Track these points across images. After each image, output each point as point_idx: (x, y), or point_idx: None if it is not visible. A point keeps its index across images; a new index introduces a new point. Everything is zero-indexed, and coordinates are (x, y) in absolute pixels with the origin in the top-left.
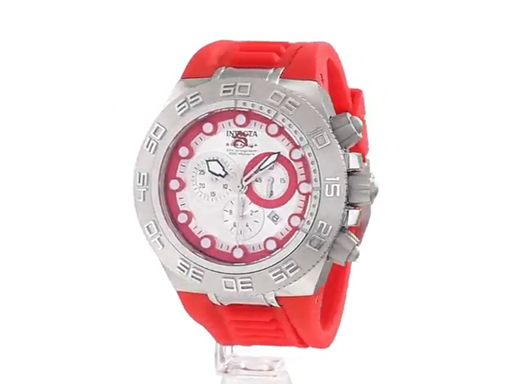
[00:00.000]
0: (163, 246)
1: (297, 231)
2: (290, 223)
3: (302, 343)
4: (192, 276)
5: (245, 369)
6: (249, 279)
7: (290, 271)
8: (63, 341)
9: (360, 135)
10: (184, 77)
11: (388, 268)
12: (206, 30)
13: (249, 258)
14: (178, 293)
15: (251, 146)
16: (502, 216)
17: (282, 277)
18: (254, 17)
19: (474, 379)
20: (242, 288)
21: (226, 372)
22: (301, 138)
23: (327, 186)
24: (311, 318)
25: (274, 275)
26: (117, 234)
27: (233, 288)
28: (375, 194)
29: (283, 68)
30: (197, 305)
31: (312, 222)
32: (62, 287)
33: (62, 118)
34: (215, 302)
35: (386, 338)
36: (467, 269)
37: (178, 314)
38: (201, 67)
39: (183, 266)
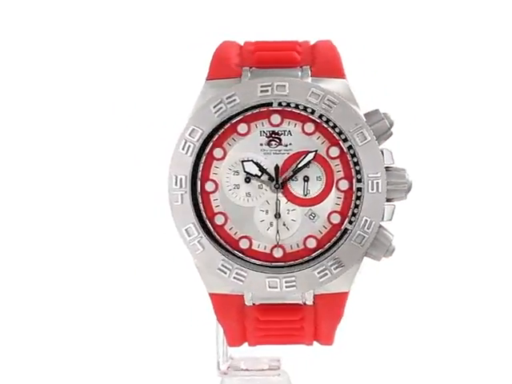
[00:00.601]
0: (203, 248)
1: (341, 228)
2: (329, 220)
3: (312, 341)
4: (234, 277)
5: (244, 369)
6: (293, 278)
7: (335, 268)
8: (63, 340)
9: (392, 131)
10: (210, 78)
11: (386, 268)
12: (194, 31)
13: (288, 257)
14: (211, 295)
15: (286, 146)
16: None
17: (326, 274)
18: (244, 17)
19: (473, 379)
20: (286, 287)
21: (225, 373)
22: (342, 136)
23: (370, 182)
24: (340, 315)
25: (318, 273)
26: (117, 234)
27: (276, 287)
28: (409, 189)
29: (309, 67)
30: (228, 306)
31: (357, 218)
32: (62, 287)
33: (68, 119)
34: (248, 302)
35: (386, 338)
36: (468, 269)
37: (178, 314)
38: (225, 68)
39: (225, 267)
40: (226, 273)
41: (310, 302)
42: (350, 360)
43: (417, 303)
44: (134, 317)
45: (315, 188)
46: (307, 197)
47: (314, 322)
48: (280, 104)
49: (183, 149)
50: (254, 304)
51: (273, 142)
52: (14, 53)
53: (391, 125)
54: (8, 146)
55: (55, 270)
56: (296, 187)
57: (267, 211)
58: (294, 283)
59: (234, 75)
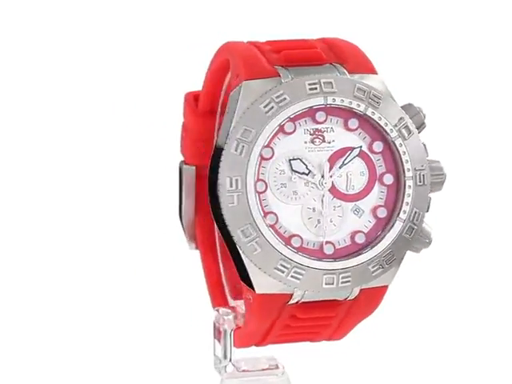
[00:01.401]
0: (261, 248)
1: (389, 221)
2: (374, 215)
3: (328, 338)
4: (291, 276)
5: (244, 370)
6: (349, 273)
7: (387, 262)
8: (63, 340)
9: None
10: (247, 79)
11: None
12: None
13: (339, 253)
14: (258, 295)
15: (329, 142)
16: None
17: (379, 268)
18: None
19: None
20: (341, 283)
21: (224, 373)
22: (391, 130)
23: (417, 175)
24: (373, 310)
25: (372, 267)
26: (116, 234)
27: (332, 284)
28: (444, 181)
29: (340, 64)
30: (270, 306)
31: (408, 211)
32: (61, 287)
33: (67, 119)
34: (295, 300)
35: (386, 338)
36: (468, 268)
37: (177, 315)
38: (259, 68)
39: (283, 266)
40: (283, 272)
41: (352, 297)
42: (350, 360)
43: (417, 303)
44: (133, 317)
45: (359, 183)
46: (351, 192)
47: (343, 318)
48: (335, 100)
49: (236, 150)
50: (297, 302)
51: (316, 140)
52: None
53: (424, 117)
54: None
55: (56, 269)
56: (340, 183)
57: (314, 209)
58: (349, 279)
59: (270, 75)
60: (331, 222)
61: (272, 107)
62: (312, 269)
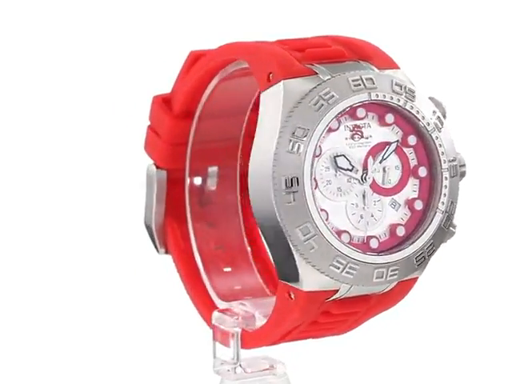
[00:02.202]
0: (318, 246)
1: (426, 213)
2: (410, 208)
3: (342, 332)
4: (346, 272)
5: (243, 370)
6: (397, 267)
7: (429, 253)
8: (63, 340)
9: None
10: (285, 77)
11: None
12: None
13: (382, 246)
14: (305, 293)
15: (366, 138)
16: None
17: (422, 260)
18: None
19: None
20: (390, 276)
21: (224, 373)
22: (428, 123)
23: (451, 166)
24: (398, 302)
25: (416, 259)
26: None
27: (382, 278)
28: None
29: (365, 61)
30: (315, 303)
31: (446, 202)
32: (61, 287)
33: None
34: (337, 296)
35: (386, 338)
36: (468, 268)
37: (177, 315)
38: (295, 67)
39: (339, 263)
40: (338, 268)
41: (388, 290)
42: (350, 360)
43: (417, 303)
44: (132, 317)
45: (394, 177)
46: (388, 186)
47: (366, 311)
48: (378, 96)
49: (292, 149)
50: (335, 298)
51: (356, 136)
52: None
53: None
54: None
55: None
56: (379, 178)
57: (357, 204)
58: (397, 272)
59: (307, 73)
60: (372, 216)
61: (322, 105)
62: (365, 264)
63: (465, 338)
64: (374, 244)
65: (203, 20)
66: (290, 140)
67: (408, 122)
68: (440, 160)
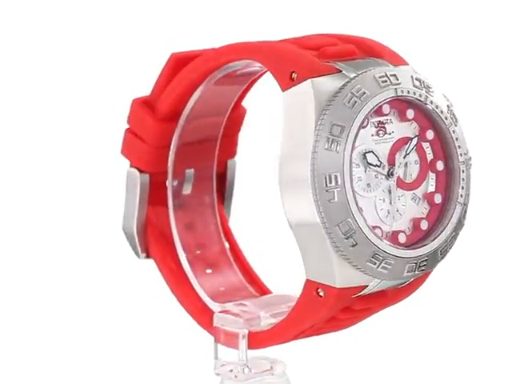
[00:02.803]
0: (357, 242)
1: (445, 206)
2: (430, 201)
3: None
4: (382, 267)
5: (249, 371)
6: (425, 260)
7: (450, 245)
8: (60, 337)
9: None
10: (311, 76)
11: None
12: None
13: (409, 240)
14: (337, 290)
15: (389, 134)
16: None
17: (445, 252)
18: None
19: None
20: (418, 270)
21: (226, 375)
22: (445, 118)
23: (465, 159)
24: (407, 296)
25: (441, 252)
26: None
27: (412, 271)
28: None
29: (379, 58)
30: (344, 299)
31: (464, 194)
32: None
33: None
34: (365, 291)
35: (386, 338)
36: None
37: (177, 316)
38: (317, 65)
39: (376, 258)
40: (375, 264)
41: (407, 283)
42: (351, 360)
43: (417, 304)
44: (132, 318)
45: (414, 172)
46: (410, 181)
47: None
48: (403, 92)
49: (330, 147)
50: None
51: (380, 132)
52: None
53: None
54: None
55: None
56: (401, 173)
57: (384, 200)
58: (425, 265)
59: (331, 71)
60: (397, 211)
61: (355, 102)
62: (399, 258)
63: (464, 337)
64: (402, 239)
65: (173, 22)
66: (328, 138)
67: (426, 116)
68: (457, 153)
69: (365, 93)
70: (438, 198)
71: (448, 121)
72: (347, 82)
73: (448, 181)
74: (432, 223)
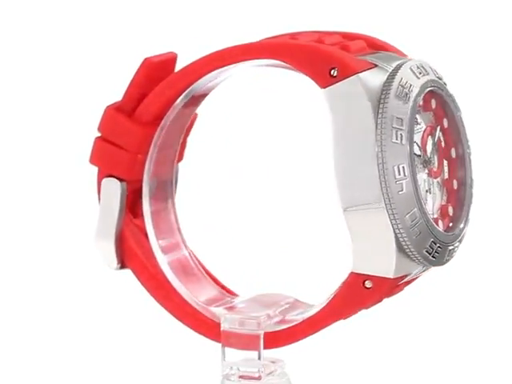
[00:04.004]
0: (420, 231)
1: (460, 192)
2: (448, 188)
3: None
4: (433, 256)
5: (245, 371)
6: (457, 245)
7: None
8: (62, 342)
9: None
10: (356, 71)
11: None
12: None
13: (445, 226)
14: (389, 280)
15: (419, 124)
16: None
17: (464, 236)
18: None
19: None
20: (452, 256)
21: (230, 376)
22: (455, 107)
23: (469, 146)
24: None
25: (461, 238)
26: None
27: (450, 257)
28: None
29: (391, 52)
30: (391, 289)
31: (471, 180)
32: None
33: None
34: (406, 279)
35: (386, 339)
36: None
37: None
38: (356, 60)
39: (431, 247)
40: (430, 252)
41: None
42: (351, 361)
43: (417, 303)
44: (133, 319)
45: (436, 160)
46: (435, 169)
47: None
48: (434, 82)
49: (396, 139)
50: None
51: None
52: None
53: None
54: None
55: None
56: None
57: (423, 188)
58: (456, 249)
59: (369, 65)
60: (431, 199)
61: (406, 94)
62: (446, 245)
63: (464, 336)
64: (441, 225)
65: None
66: (392, 130)
67: (442, 105)
68: (465, 140)
69: (411, 85)
70: (454, 184)
71: (457, 109)
72: (391, 75)
73: (459, 167)
74: (455, 208)
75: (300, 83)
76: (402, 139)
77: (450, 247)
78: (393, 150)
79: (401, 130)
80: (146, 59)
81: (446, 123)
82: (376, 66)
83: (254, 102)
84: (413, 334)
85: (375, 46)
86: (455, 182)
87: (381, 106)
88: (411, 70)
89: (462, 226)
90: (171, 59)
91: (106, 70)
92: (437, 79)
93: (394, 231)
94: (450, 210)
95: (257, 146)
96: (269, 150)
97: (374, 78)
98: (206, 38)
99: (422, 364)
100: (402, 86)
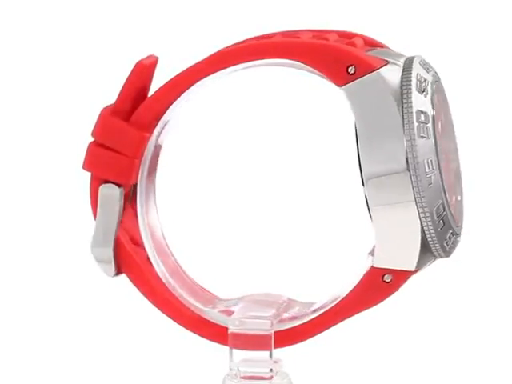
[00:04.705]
0: (444, 224)
1: (460, 183)
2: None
3: None
4: (450, 247)
5: (246, 372)
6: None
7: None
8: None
9: None
10: (375, 68)
11: None
12: None
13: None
14: (408, 273)
15: None
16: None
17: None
18: None
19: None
20: (456, 247)
21: (228, 375)
22: (444, 100)
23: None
24: None
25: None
26: None
27: (455, 248)
28: None
29: (386, 48)
30: (408, 278)
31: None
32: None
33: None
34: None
35: (386, 339)
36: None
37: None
38: (372, 57)
39: (449, 238)
40: (448, 244)
41: None
42: (352, 362)
43: (417, 304)
44: (133, 319)
45: None
46: None
47: None
48: (434, 76)
49: (423, 132)
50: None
51: None
52: None
53: None
54: None
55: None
56: None
57: None
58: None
59: (383, 62)
60: None
61: (425, 88)
62: (458, 236)
63: (464, 336)
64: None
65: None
66: (419, 125)
67: (443, 100)
68: (455, 134)
69: (425, 79)
70: (452, 178)
71: (446, 104)
72: (406, 71)
73: (455, 159)
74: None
75: (299, 83)
76: (428, 133)
77: (459, 238)
78: (421, 144)
79: (426, 123)
80: (138, 63)
81: (443, 117)
82: (388, 62)
83: (252, 101)
84: (413, 335)
85: (370, 43)
86: (452, 175)
87: (404, 101)
88: (420, 64)
89: (461, 219)
90: (155, 62)
91: (94, 75)
92: (436, 74)
93: (421, 224)
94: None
95: (244, 148)
96: (256, 151)
97: (391, 74)
98: (189, 40)
99: (421, 364)
100: (419, 81)
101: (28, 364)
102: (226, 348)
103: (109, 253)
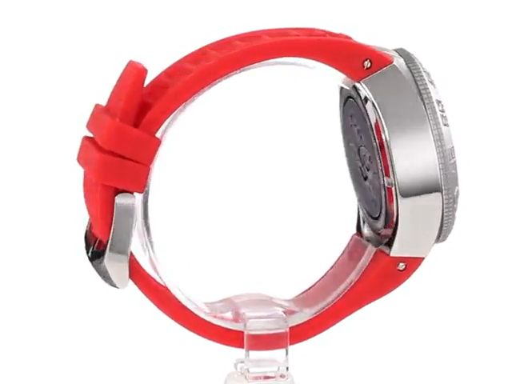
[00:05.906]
0: (456, 209)
1: None
2: None
3: None
4: (448, 231)
5: (248, 372)
6: None
7: None
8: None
9: None
10: (390, 61)
11: None
12: None
13: None
14: (422, 259)
15: None
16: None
17: None
18: None
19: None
20: None
21: (246, 374)
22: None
23: None
24: None
25: None
26: None
27: None
28: None
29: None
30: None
31: None
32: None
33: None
34: None
35: (387, 339)
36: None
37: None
38: (383, 57)
39: (453, 224)
40: (451, 230)
41: None
42: (353, 363)
43: (417, 304)
44: (134, 319)
45: None
46: None
47: None
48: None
49: (445, 121)
50: None
51: None
52: None
53: None
54: None
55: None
56: None
57: None
58: None
59: (391, 55)
60: None
61: (432, 80)
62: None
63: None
64: None
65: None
66: (441, 115)
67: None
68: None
69: (428, 72)
70: None
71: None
72: (411, 63)
73: None
74: None
75: (300, 84)
76: (447, 121)
77: None
78: (444, 133)
79: (444, 112)
80: (138, 68)
81: None
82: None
83: (250, 101)
84: (413, 334)
85: (336, 36)
86: None
87: (422, 91)
88: (413, 57)
89: None
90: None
91: (89, 74)
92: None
93: (443, 211)
94: None
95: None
96: (251, 155)
97: (402, 66)
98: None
99: (421, 364)
100: (426, 73)
101: (28, 364)
102: (227, 348)
103: (124, 264)
